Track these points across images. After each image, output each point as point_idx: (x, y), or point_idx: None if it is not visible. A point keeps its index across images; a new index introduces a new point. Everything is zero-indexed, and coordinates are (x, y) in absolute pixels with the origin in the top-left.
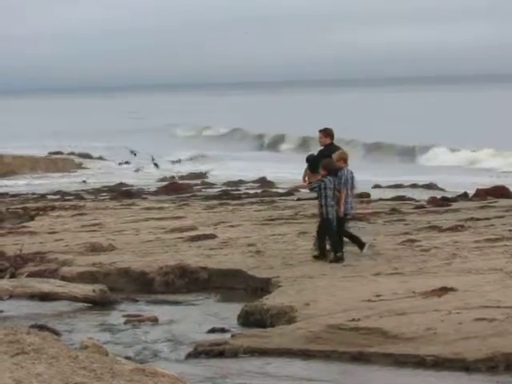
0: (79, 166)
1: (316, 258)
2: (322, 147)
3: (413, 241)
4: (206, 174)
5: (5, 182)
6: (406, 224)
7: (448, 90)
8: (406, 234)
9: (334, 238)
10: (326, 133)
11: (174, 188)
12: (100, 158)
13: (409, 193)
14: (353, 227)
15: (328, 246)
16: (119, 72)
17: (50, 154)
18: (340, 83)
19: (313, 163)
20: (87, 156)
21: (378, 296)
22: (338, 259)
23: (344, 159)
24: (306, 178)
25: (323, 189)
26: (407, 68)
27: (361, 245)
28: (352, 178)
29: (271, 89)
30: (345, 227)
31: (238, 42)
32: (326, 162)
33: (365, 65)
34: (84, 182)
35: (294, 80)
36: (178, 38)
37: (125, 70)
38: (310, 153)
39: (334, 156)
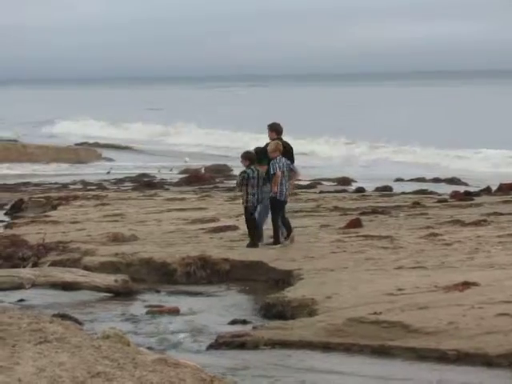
0: (103, 157)
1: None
2: (270, 141)
3: (435, 235)
4: None
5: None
6: (429, 218)
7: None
8: (429, 227)
9: (251, 225)
10: (271, 128)
11: (196, 179)
12: (126, 148)
13: (431, 187)
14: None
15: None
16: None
17: (75, 144)
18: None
19: (258, 155)
20: (113, 146)
21: (399, 290)
22: (253, 245)
23: (279, 150)
24: None
25: (245, 178)
26: (429, 62)
27: (276, 240)
28: (285, 166)
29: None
30: (279, 213)
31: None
32: (246, 153)
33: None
34: (108, 172)
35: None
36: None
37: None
38: (257, 146)
39: (269, 146)
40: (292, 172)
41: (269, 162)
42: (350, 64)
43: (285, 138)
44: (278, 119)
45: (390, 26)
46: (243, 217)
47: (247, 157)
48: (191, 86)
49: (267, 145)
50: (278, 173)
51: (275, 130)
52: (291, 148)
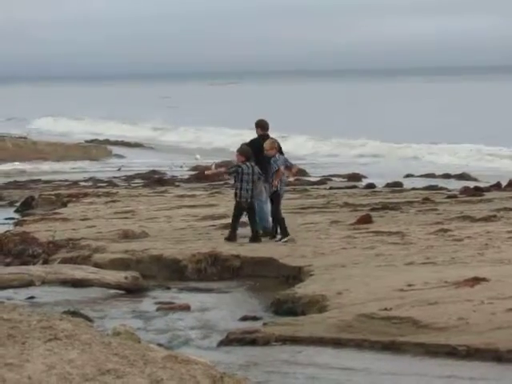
0: (113, 154)
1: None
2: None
3: (445, 230)
4: None
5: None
6: (439, 214)
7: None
8: (439, 223)
9: (235, 220)
10: (257, 124)
11: (206, 176)
12: (137, 145)
13: (441, 182)
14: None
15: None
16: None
17: (85, 141)
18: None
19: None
20: (124, 143)
21: (410, 285)
22: (232, 239)
23: (275, 147)
24: (213, 166)
25: (240, 173)
26: (433, 58)
27: (284, 233)
28: (285, 164)
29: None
30: (279, 206)
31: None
32: (242, 149)
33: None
34: (119, 169)
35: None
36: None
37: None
38: (243, 142)
39: (266, 145)
40: (288, 168)
41: (257, 159)
42: (351, 60)
43: (300, 135)
44: (292, 116)
45: (398, 21)
46: None
47: (243, 153)
48: (196, 82)
49: (251, 141)
50: (282, 168)
51: (261, 126)
52: (279, 144)
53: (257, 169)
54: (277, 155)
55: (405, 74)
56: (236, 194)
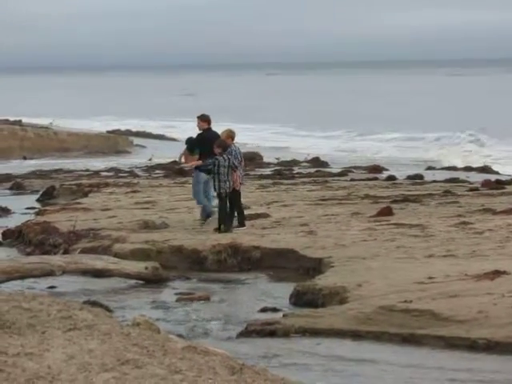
0: (134, 144)
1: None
2: (200, 131)
3: (466, 223)
4: None
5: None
6: (460, 206)
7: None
8: (460, 216)
9: (222, 211)
10: (204, 118)
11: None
12: (158, 136)
13: (462, 175)
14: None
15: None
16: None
17: (107, 132)
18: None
19: (191, 145)
20: (145, 134)
21: (430, 278)
22: (225, 231)
23: (231, 137)
24: (183, 158)
25: (217, 166)
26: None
27: (241, 223)
28: (240, 153)
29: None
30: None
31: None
32: (220, 141)
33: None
34: (150, 159)
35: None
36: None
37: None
38: (189, 136)
39: (223, 134)
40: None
41: (201, 152)
42: (355, 52)
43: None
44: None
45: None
46: (274, 205)
47: (220, 145)
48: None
49: (199, 135)
50: (238, 172)
51: (207, 120)
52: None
53: (232, 161)
54: (233, 146)
55: (413, 67)
56: (214, 186)
